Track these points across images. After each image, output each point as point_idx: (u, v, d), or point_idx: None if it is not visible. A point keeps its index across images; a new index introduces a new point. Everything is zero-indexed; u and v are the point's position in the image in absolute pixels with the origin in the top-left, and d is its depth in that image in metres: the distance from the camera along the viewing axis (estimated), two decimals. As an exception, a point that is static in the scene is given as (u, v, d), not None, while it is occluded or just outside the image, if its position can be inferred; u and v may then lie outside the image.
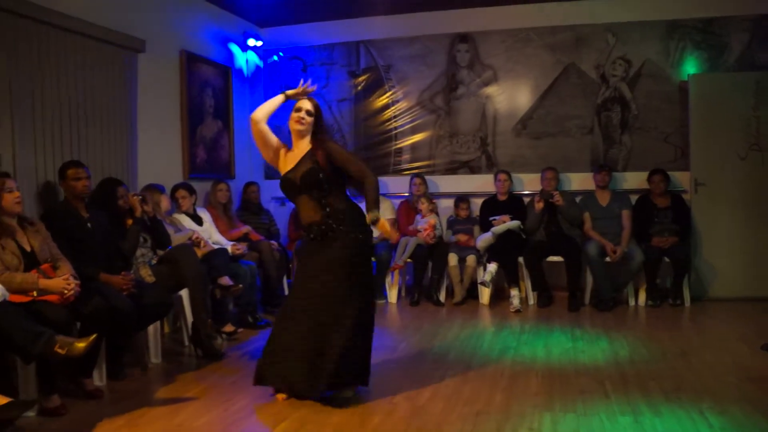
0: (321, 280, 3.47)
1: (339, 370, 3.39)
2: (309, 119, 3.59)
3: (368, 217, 3.51)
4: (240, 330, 5.08)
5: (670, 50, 6.41)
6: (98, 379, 3.86)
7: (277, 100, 3.67)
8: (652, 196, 6.14)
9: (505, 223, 6.11)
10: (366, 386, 3.62)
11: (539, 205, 6.09)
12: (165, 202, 5.13)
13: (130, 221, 4.50)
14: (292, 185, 3.56)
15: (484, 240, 6.14)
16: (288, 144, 3.71)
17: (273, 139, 3.71)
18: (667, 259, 5.91)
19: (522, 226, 6.19)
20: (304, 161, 3.55)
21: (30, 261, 3.57)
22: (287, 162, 3.64)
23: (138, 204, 4.51)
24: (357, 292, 3.49)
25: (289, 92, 3.68)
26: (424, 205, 6.39)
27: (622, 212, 6.11)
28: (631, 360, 4.22)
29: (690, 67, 6.35)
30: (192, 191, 5.52)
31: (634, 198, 6.28)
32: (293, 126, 3.60)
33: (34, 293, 3.40)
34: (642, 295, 5.99)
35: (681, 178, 6.36)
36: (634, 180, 6.51)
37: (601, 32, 6.55)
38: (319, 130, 3.64)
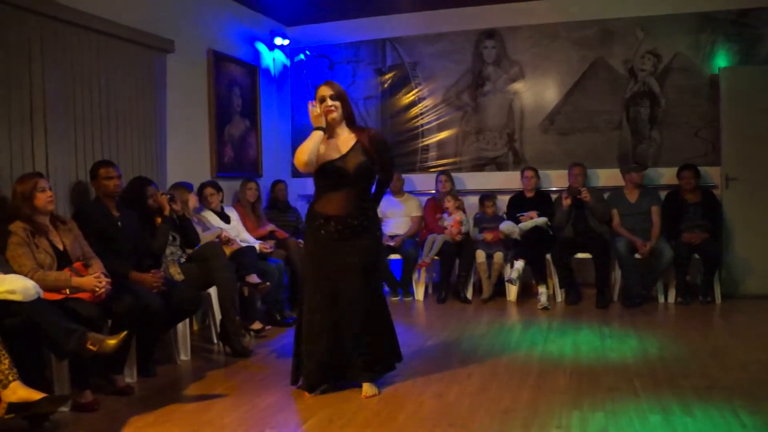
0: (342, 277, 3.51)
1: (375, 356, 3.59)
2: (337, 103, 3.55)
3: None
4: (268, 327, 5.11)
5: (701, 43, 6.31)
6: (129, 375, 3.92)
7: (317, 136, 3.47)
8: (682, 191, 6.05)
9: (532, 219, 6.07)
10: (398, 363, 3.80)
11: (567, 202, 6.04)
12: (193, 200, 5.17)
13: (159, 220, 4.56)
14: (341, 173, 3.48)
15: (508, 226, 6.11)
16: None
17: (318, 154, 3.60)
18: (697, 256, 5.81)
19: (549, 223, 6.15)
20: (355, 152, 3.51)
21: (62, 259, 3.64)
22: (330, 149, 3.54)
23: (167, 203, 4.56)
24: (374, 283, 3.64)
25: (316, 123, 3.50)
26: (450, 203, 6.38)
27: (651, 208, 6.04)
28: (661, 358, 4.17)
29: (721, 60, 6.24)
30: (219, 189, 5.58)
31: (663, 194, 6.20)
32: (313, 120, 3.56)
33: (67, 291, 3.47)
34: (672, 292, 5.91)
35: (712, 174, 6.26)
36: (663, 176, 6.43)
37: (630, 26, 6.47)
38: (351, 114, 3.62)
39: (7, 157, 3.90)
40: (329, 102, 3.54)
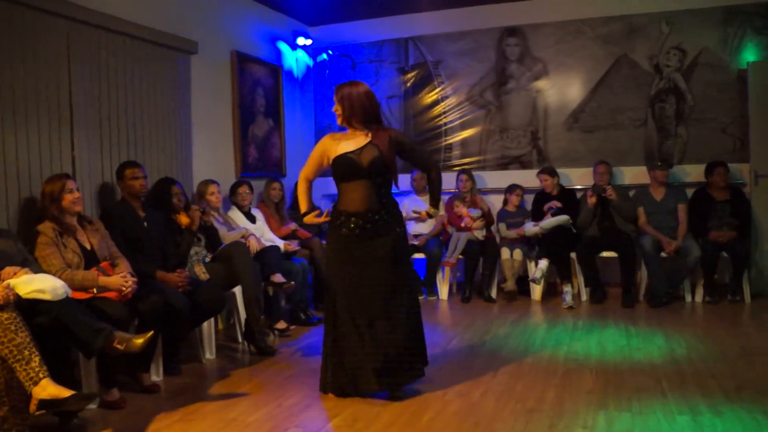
0: (369, 277, 3.47)
1: (404, 364, 3.48)
2: (339, 109, 3.58)
3: (431, 211, 3.52)
4: (292, 327, 5.13)
5: (728, 37, 6.20)
6: (155, 374, 3.96)
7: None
8: (709, 189, 5.96)
9: (554, 218, 6.02)
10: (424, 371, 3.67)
11: (592, 200, 5.99)
12: (217, 196, 5.19)
13: (183, 218, 4.59)
14: (355, 166, 3.49)
15: (530, 230, 6.13)
16: (337, 129, 3.72)
17: (317, 161, 3.72)
18: (725, 254, 5.72)
19: (571, 221, 6.09)
20: (369, 147, 3.51)
21: (90, 259, 3.69)
22: (344, 144, 3.57)
23: (197, 219, 4.60)
24: (402, 285, 3.54)
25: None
26: (459, 207, 6.36)
27: (677, 206, 5.97)
28: (689, 358, 4.11)
29: (749, 55, 6.13)
30: (252, 189, 5.65)
31: (690, 191, 6.12)
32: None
33: (94, 290, 3.51)
34: (699, 292, 5.84)
35: (740, 171, 6.16)
36: (690, 173, 6.34)
37: (655, 21, 6.39)
38: (358, 114, 3.55)
39: (36, 158, 3.97)
40: (334, 107, 3.61)
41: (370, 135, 3.55)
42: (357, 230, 3.48)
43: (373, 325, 3.47)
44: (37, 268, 3.36)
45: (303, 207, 3.81)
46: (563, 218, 6.04)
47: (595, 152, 6.56)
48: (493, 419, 3.18)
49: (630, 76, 6.51)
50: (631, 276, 5.88)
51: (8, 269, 3.11)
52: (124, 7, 4.67)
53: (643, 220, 6.03)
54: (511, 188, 6.54)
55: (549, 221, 6.03)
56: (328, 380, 3.58)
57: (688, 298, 5.87)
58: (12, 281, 3.01)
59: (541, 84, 6.81)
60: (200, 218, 4.63)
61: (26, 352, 2.80)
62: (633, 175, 6.49)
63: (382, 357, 3.44)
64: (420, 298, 6.35)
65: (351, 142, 3.56)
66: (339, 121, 3.61)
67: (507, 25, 6.87)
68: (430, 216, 3.88)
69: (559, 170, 6.46)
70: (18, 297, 2.98)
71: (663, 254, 5.79)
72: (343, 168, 3.53)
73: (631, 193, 6.21)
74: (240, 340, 4.85)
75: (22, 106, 3.89)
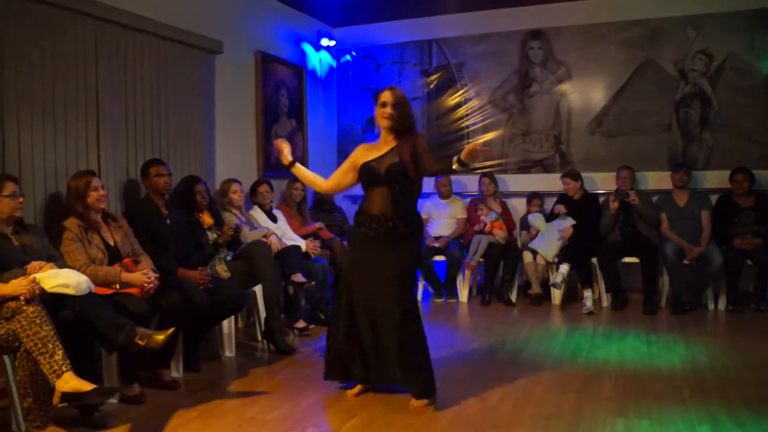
0: (377, 279, 3.47)
1: (401, 360, 3.45)
2: (395, 113, 3.52)
3: (460, 157, 3.38)
4: (311, 326, 5.15)
5: (756, 42, 6.12)
6: (175, 370, 4.00)
7: (296, 171, 3.93)
8: (734, 195, 5.89)
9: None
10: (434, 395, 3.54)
11: (614, 205, 5.94)
12: (239, 194, 5.23)
13: (206, 218, 4.63)
14: (373, 173, 3.52)
15: (536, 218, 6.30)
16: (370, 140, 3.70)
17: (347, 171, 3.75)
18: (749, 262, 5.65)
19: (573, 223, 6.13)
20: (391, 155, 3.52)
21: (113, 255, 3.74)
22: (370, 153, 3.61)
23: (228, 237, 4.69)
24: (405, 297, 3.49)
25: (284, 161, 3.89)
26: (482, 211, 6.37)
27: (701, 213, 5.90)
28: (711, 367, 4.07)
29: (777, 61, 6.07)
30: (272, 188, 5.70)
31: (714, 198, 6.05)
32: (380, 122, 3.57)
33: (117, 286, 3.56)
34: (722, 300, 5.77)
35: (766, 177, 6.07)
36: (714, 179, 6.25)
37: (681, 25, 6.32)
38: (406, 121, 3.55)
39: (62, 155, 4.03)
40: (389, 109, 3.52)
41: (397, 142, 3.55)
42: (372, 233, 3.50)
43: (371, 325, 3.51)
44: (61, 263, 3.42)
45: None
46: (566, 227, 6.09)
47: (618, 157, 6.50)
48: (510, 424, 3.17)
49: (655, 81, 6.45)
50: (653, 282, 5.83)
51: (34, 264, 3.17)
52: (151, 7, 4.72)
53: (666, 226, 5.97)
54: (530, 197, 6.54)
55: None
56: (330, 364, 3.70)
57: (711, 306, 5.80)
58: (38, 275, 3.07)
59: (565, 87, 6.77)
60: (230, 236, 4.71)
61: (50, 345, 2.85)
62: (656, 180, 6.43)
63: (374, 354, 3.53)
64: (439, 300, 6.36)
65: (378, 150, 3.59)
66: (386, 124, 3.55)
67: (530, 28, 6.84)
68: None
69: (581, 174, 6.42)
70: (43, 291, 3.04)
71: (685, 261, 5.73)
72: (363, 175, 3.60)
73: (655, 199, 6.16)
74: (259, 338, 4.88)
75: (50, 104, 3.95)
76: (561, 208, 6.16)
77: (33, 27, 3.84)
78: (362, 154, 3.66)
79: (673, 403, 3.42)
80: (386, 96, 3.53)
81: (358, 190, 3.72)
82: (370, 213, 3.53)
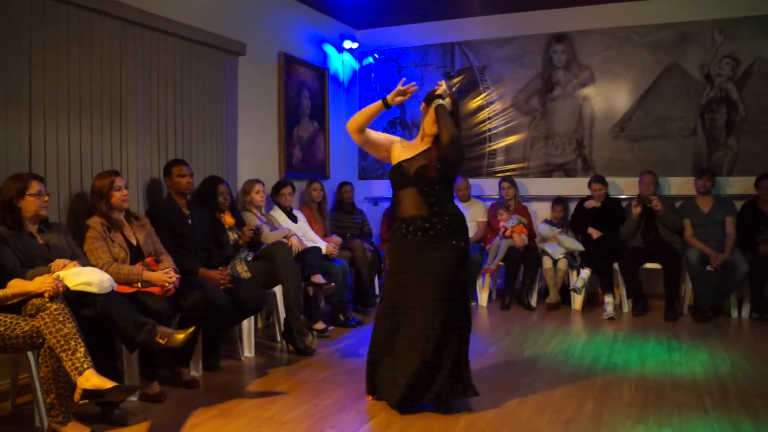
0: (420, 285, 3.35)
1: (447, 378, 3.35)
2: (445, 102, 3.49)
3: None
4: (331, 328, 5.15)
5: (785, 46, 6.05)
6: (194, 369, 4.04)
7: (376, 107, 3.49)
8: (759, 202, 5.80)
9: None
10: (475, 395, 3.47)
11: (636, 210, 5.89)
12: (261, 195, 5.25)
13: (228, 218, 4.67)
14: (403, 174, 3.45)
15: (545, 228, 6.37)
16: (407, 138, 3.60)
17: (381, 139, 3.64)
18: (775, 270, 5.58)
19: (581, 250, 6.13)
20: (420, 156, 3.47)
21: (136, 254, 3.78)
22: (404, 152, 3.54)
23: (248, 238, 4.72)
24: (454, 299, 3.38)
25: (389, 97, 3.50)
26: (502, 215, 6.35)
27: (725, 219, 5.83)
28: (733, 375, 4.01)
29: (805, 66, 5.97)
30: (294, 189, 5.73)
31: (739, 204, 5.96)
32: (428, 127, 3.51)
33: (139, 285, 3.59)
34: (746, 307, 5.69)
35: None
36: (738, 185, 6.17)
37: (707, 29, 6.25)
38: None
39: (87, 155, 4.08)
40: (441, 98, 3.48)
41: (430, 143, 3.52)
42: (410, 236, 3.41)
43: (410, 335, 3.35)
44: (85, 261, 3.47)
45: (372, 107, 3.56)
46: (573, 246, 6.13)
47: (641, 162, 6.45)
48: (529, 429, 3.16)
49: (680, 85, 6.38)
50: (675, 288, 5.76)
51: (58, 261, 3.21)
52: (176, 9, 4.77)
53: (689, 232, 5.90)
54: (554, 203, 6.52)
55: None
56: (370, 379, 3.55)
57: (735, 314, 5.72)
58: (61, 273, 3.12)
59: (588, 91, 6.72)
60: (250, 237, 4.74)
61: (72, 343, 2.88)
62: (680, 185, 6.36)
63: (410, 372, 3.32)
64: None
65: (412, 150, 3.54)
66: (433, 131, 3.48)
67: (554, 32, 6.80)
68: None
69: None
70: (66, 289, 3.08)
71: (709, 268, 5.66)
72: (393, 177, 3.53)
73: (678, 205, 6.09)
74: (279, 339, 4.90)
75: (75, 105, 4.00)
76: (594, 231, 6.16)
77: (60, 28, 3.89)
78: (398, 151, 3.57)
79: (695, 411, 3.38)
80: (442, 89, 3.51)
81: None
82: (405, 216, 3.45)
